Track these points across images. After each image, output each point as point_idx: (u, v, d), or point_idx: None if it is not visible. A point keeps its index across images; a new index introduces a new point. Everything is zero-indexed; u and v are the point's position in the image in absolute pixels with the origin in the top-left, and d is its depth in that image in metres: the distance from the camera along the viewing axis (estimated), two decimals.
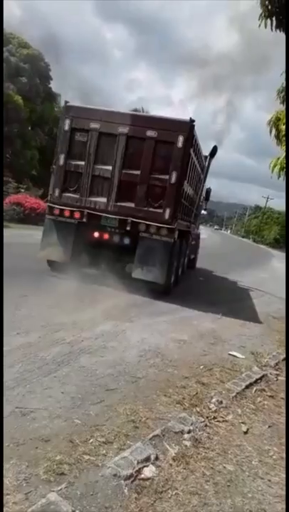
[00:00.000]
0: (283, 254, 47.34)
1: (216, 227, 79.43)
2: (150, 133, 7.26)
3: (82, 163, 7.64)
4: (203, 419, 3.24)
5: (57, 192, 7.82)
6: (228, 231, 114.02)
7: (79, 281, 7.25)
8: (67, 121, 7.70)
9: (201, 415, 3.32)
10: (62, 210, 7.67)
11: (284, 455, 3.01)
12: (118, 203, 7.53)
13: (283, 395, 4.20)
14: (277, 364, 5.10)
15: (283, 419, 3.62)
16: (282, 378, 4.69)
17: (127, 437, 2.78)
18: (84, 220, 7.60)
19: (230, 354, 5.19)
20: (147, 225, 7.33)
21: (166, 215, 7.32)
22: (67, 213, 7.66)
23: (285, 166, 5.92)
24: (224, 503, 2.36)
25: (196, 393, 3.72)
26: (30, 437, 2.58)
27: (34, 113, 27.04)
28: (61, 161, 7.77)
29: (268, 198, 75.01)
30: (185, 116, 7.66)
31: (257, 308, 8.99)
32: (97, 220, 7.58)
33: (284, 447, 3.12)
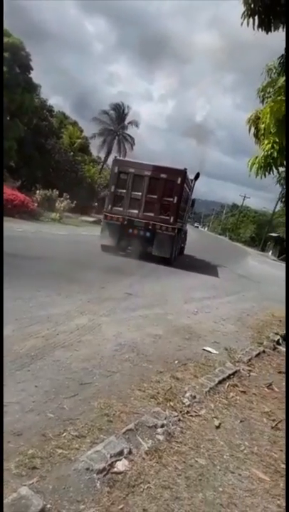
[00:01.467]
0: (258, 252, 48.20)
1: (196, 224, 79.45)
2: (162, 175, 12.75)
3: (124, 190, 12.98)
4: (176, 414, 3.27)
5: (110, 207, 13.16)
6: (206, 228, 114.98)
7: (120, 256, 12.94)
8: (116, 167, 13.18)
9: (174, 410, 3.34)
10: (112, 217, 12.99)
11: (254, 450, 3.07)
12: (144, 213, 12.86)
13: (255, 390, 4.28)
14: (249, 360, 5.18)
15: (254, 415, 3.69)
16: (255, 374, 4.78)
17: (100, 431, 2.78)
18: (124, 222, 12.89)
19: (204, 349, 5.24)
20: (160, 225, 12.72)
21: (171, 220, 12.80)
22: (115, 218, 12.96)
23: (263, 165, 5.98)
24: (195, 496, 2.39)
25: (170, 388, 3.75)
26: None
27: (13, 103, 26.48)
28: (112, 190, 13.20)
29: (244, 196, 75.97)
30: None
31: (232, 305, 9.11)
32: (131, 223, 12.87)
33: (254, 442, 3.19)
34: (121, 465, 2.48)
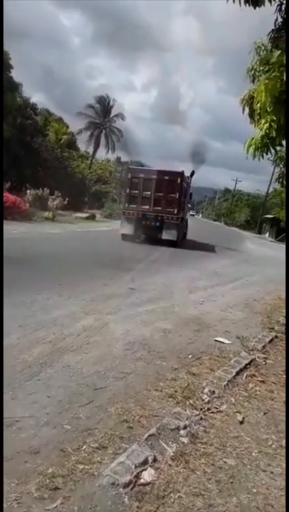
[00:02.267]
0: (254, 235, 48.09)
1: (191, 212, 78.67)
2: (165, 177, 16.41)
3: (137, 191, 16.58)
4: (197, 412, 3.12)
5: (126, 205, 16.98)
6: (200, 215, 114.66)
7: (136, 242, 16.26)
8: (129, 174, 17.21)
9: (195, 408, 3.19)
10: (129, 213, 16.39)
11: (283, 443, 2.93)
12: (154, 208, 16.36)
13: (274, 378, 4.14)
14: (264, 347, 5.04)
15: (277, 405, 3.55)
16: (271, 361, 4.64)
17: (121, 440, 2.62)
18: (139, 216, 16.19)
19: (216, 340, 5.09)
20: (167, 216, 16.09)
21: (175, 212, 16.32)
22: (131, 214, 16.29)
23: (260, 145, 5.79)
24: (230, 502, 2.24)
25: (188, 385, 3.59)
26: (17, 450, 2.38)
27: None
28: (128, 191, 17.12)
29: (236, 180, 75.64)
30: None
31: (236, 291, 8.97)
32: (144, 216, 16.23)
33: (282, 435, 3.04)
34: (147, 475, 2.33)
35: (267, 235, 52.13)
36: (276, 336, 5.60)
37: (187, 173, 18.17)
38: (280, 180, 8.49)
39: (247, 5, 5.15)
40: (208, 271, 11.46)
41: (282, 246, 35.55)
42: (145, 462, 2.40)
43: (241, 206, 72.71)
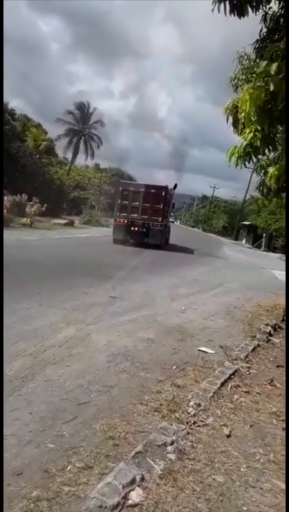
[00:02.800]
0: (232, 242, 48.65)
1: (171, 219, 77.87)
2: (152, 190, 18.97)
3: (127, 202, 18.96)
4: (184, 427, 3.06)
5: (118, 213, 19.11)
6: (178, 221, 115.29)
7: (126, 245, 18.64)
8: (121, 187, 19.73)
9: (181, 422, 3.13)
10: (120, 220, 18.86)
11: (271, 457, 2.89)
12: (141, 216, 18.77)
13: (258, 389, 4.12)
14: (246, 356, 5.03)
15: (263, 417, 3.52)
16: (254, 371, 4.62)
17: (107, 458, 2.53)
18: (129, 223, 18.66)
19: (200, 350, 5.06)
20: (152, 223, 18.56)
21: (160, 219, 18.90)
22: (122, 221, 18.79)
23: (242, 154, 5.83)
24: None
25: (173, 397, 3.53)
26: None
27: None
28: (119, 202, 19.32)
29: (214, 187, 76.53)
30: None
31: (217, 299, 8.99)
32: (133, 223, 18.65)
33: (269, 448, 3.01)
34: (135, 495, 2.25)
35: (244, 241, 52.82)
36: (258, 345, 5.60)
37: (171, 184, 21.46)
38: (261, 188, 8.56)
39: (232, 15, 5.20)
40: (189, 277, 11.47)
41: (258, 252, 36.08)
42: (133, 482, 2.32)
43: (219, 213, 73.50)
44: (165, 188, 19.54)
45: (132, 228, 18.92)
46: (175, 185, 22.14)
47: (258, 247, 43.95)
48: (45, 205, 25.24)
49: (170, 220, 25.65)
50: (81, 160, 53.49)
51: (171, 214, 27.42)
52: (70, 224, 27.76)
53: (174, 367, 4.32)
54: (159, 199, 19.03)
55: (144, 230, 18.90)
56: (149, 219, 18.86)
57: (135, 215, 18.97)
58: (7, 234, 15.77)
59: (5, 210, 20.01)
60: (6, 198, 22.56)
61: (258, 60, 5.44)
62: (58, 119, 47.03)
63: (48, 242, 16.28)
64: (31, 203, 23.79)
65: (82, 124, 48.74)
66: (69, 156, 49.92)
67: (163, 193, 19.14)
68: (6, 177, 27.71)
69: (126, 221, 18.88)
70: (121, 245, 18.28)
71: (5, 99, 34.59)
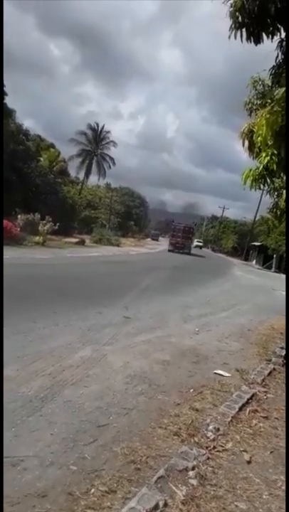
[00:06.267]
0: (242, 262, 48.44)
1: (200, 243, 77.30)
2: (185, 227, 43.41)
3: (174, 232, 42.82)
4: (204, 451, 3.04)
5: (171, 237, 43.29)
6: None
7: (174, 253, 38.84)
8: (172, 226, 45.23)
9: (200, 446, 3.12)
10: (172, 240, 42.47)
11: None
12: (181, 240, 42.05)
13: (276, 414, 4.08)
14: (263, 380, 4.99)
15: (282, 443, 3.49)
16: (271, 396, 4.58)
17: (130, 482, 2.54)
18: (175, 242, 42.12)
19: (215, 373, 5.04)
20: (185, 245, 42.54)
21: (189, 242, 43.80)
22: (172, 241, 42.43)
23: (257, 177, 5.90)
24: None
25: (192, 421, 3.53)
26: (24, 493, 2.28)
27: None
28: (172, 232, 44.00)
29: (224, 208, 76.72)
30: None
31: (230, 320, 8.95)
32: (177, 242, 41.91)
33: None
34: None
35: (254, 262, 52.60)
36: (274, 369, 5.56)
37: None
38: (274, 210, 8.61)
39: (248, 41, 5.34)
40: (201, 297, 11.46)
41: (269, 273, 35.86)
42: (156, 507, 2.31)
43: (228, 233, 73.54)
44: (192, 226, 46.80)
45: (177, 244, 41.12)
46: (195, 224, 36.82)
47: (269, 268, 43.71)
48: (58, 223, 25.50)
49: (200, 244, 64.09)
50: (93, 179, 54.32)
51: (193, 238, 51.37)
52: (82, 243, 27.95)
53: (191, 390, 4.32)
54: (189, 231, 42.89)
55: (182, 246, 41.30)
56: (184, 241, 41.44)
57: (179, 239, 41.29)
58: (20, 252, 15.96)
59: (18, 229, 20.27)
60: (19, 216, 22.88)
61: (274, 86, 5.57)
62: (71, 139, 47.93)
63: (61, 261, 16.39)
64: (44, 221, 24.03)
65: (95, 144, 49.56)
66: (81, 175, 50.67)
67: (190, 228, 43.89)
68: (19, 196, 28.17)
69: (174, 241, 41.33)
70: (171, 253, 38.80)
71: (18, 120, 35.31)
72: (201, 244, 76.82)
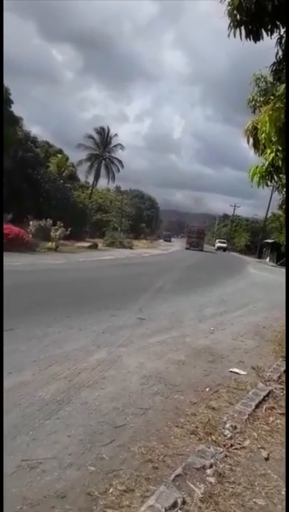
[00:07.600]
0: (255, 260, 48.13)
1: (224, 244, 72.24)
2: (199, 229, 56.38)
3: (190, 233, 56.04)
4: (221, 449, 3.05)
5: (187, 238, 56.58)
6: None
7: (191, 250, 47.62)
8: (188, 229, 59.37)
9: (218, 445, 3.12)
10: (188, 240, 55.40)
11: None
12: (195, 239, 54.39)
13: None
14: (280, 377, 4.97)
15: None
16: None
17: (148, 481, 2.55)
18: (191, 241, 54.41)
19: (231, 371, 5.03)
20: (199, 242, 54.48)
21: (202, 241, 55.81)
22: (188, 240, 55.23)
23: (264, 174, 5.87)
24: None
25: (208, 420, 3.53)
26: (43, 494, 2.31)
27: None
28: (187, 234, 57.82)
29: (235, 206, 76.30)
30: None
31: (245, 319, 8.91)
32: (193, 241, 54.23)
33: None
34: None
35: (267, 259, 52.19)
36: None
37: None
38: (284, 206, 8.56)
39: (248, 39, 5.34)
40: (215, 296, 11.44)
41: (283, 270, 35.50)
42: (175, 505, 2.32)
43: (240, 231, 73.12)
44: (203, 228, 58.66)
45: (192, 243, 52.11)
46: (206, 225, 42.87)
47: (283, 265, 43.31)
48: (69, 228, 25.67)
49: (223, 246, 67.70)
50: (102, 183, 54.58)
51: (205, 237, 60.67)
52: (94, 247, 28.10)
53: (207, 389, 4.32)
54: (202, 232, 55.40)
55: (197, 244, 52.17)
56: (198, 240, 53.14)
57: (193, 239, 52.82)
58: (33, 258, 16.13)
59: (30, 235, 20.46)
60: (31, 223, 23.11)
61: (275, 82, 5.55)
62: (79, 144, 48.20)
63: (74, 265, 16.49)
64: (56, 227, 24.22)
65: (103, 148, 49.77)
66: (90, 179, 50.92)
67: (203, 229, 56.75)
68: (30, 202, 28.46)
69: (190, 241, 52.84)
70: (187, 250, 47.86)
71: (26, 128, 35.66)
72: (224, 245, 68.54)
